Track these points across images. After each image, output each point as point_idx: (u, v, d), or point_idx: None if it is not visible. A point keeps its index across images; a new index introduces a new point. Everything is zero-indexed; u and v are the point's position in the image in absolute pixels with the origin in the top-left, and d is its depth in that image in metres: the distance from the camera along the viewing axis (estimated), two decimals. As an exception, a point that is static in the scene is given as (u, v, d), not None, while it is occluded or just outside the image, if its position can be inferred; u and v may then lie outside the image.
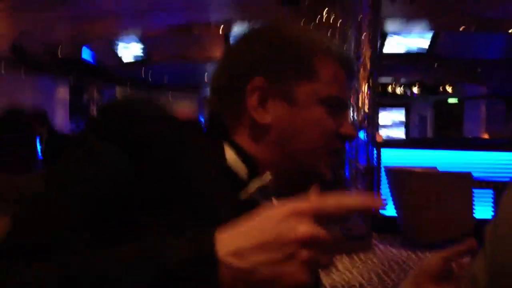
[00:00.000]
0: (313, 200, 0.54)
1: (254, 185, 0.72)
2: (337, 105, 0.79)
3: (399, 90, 17.74)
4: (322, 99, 0.77)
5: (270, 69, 0.77)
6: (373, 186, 5.21)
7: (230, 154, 0.75)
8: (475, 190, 5.04)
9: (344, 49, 0.85)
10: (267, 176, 0.72)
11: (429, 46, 11.63)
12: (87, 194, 0.61)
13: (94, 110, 17.92)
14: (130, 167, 0.62)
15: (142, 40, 13.01)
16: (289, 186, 0.77)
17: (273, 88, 0.76)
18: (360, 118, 4.87)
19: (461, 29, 10.51)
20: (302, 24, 4.91)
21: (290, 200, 0.61)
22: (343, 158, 4.77)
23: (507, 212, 0.63)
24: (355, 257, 4.65)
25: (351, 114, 4.81)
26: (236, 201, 0.70)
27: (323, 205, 0.54)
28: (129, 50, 13.83)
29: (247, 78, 0.76)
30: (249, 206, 0.69)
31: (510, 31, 10.38)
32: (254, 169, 0.75)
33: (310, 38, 0.80)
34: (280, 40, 0.78)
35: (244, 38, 0.83)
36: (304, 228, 0.51)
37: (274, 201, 0.74)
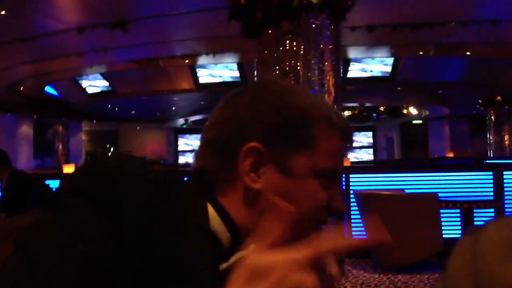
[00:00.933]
0: (312, 247, 0.50)
1: (236, 257, 0.66)
2: (333, 178, 0.74)
3: (364, 114, 18.06)
4: (319, 172, 0.73)
5: (268, 134, 0.71)
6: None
7: (213, 216, 0.70)
8: (442, 211, 5.13)
9: (344, 118, 0.80)
10: (251, 248, 0.69)
11: (391, 71, 11.96)
12: (64, 264, 0.56)
13: (59, 146, 17.61)
14: (108, 232, 0.58)
15: (106, 76, 12.90)
16: None
17: (269, 154, 0.71)
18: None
19: (420, 53, 10.87)
20: (266, 53, 4.99)
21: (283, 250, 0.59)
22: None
23: (453, 277, 0.64)
24: (328, 284, 4.63)
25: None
26: (216, 271, 0.65)
27: (323, 251, 0.51)
28: (94, 86, 13.69)
29: (243, 139, 0.71)
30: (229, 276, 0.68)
31: (467, 53, 10.80)
32: (237, 234, 0.70)
33: (312, 105, 0.74)
34: (281, 105, 0.73)
35: (243, 92, 0.77)
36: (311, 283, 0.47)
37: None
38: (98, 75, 12.86)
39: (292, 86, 0.79)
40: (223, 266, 0.66)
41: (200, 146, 0.77)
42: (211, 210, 0.70)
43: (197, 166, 0.76)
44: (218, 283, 0.63)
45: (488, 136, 15.40)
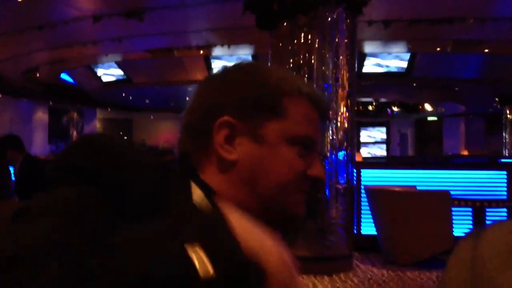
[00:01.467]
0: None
1: None
2: (308, 146, 0.77)
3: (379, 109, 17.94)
4: (291, 139, 0.75)
5: (238, 107, 0.75)
6: (353, 206, 5.23)
7: (197, 194, 0.72)
8: (454, 209, 5.09)
9: (317, 91, 0.82)
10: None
11: (407, 66, 11.84)
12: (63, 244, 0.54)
13: (73, 133, 17.78)
14: (102, 208, 0.60)
15: (121, 65, 12.95)
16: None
17: (241, 125, 0.74)
18: (339, 138, 4.91)
19: (437, 50, 10.75)
20: (281, 46, 4.97)
21: None
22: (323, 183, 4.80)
23: (449, 283, 0.62)
24: (335, 277, 4.64)
25: (331, 135, 4.86)
26: None
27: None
28: (109, 74, 13.76)
29: (215, 117, 0.75)
30: None
31: (485, 51, 10.65)
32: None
33: (281, 78, 0.78)
34: (249, 79, 0.77)
35: (214, 77, 0.82)
36: None
37: None
38: (113, 64, 12.92)
39: (260, 65, 0.83)
40: None
41: (180, 132, 0.82)
42: (195, 188, 0.72)
43: (178, 152, 0.80)
44: None
45: (503, 134, 15.21)
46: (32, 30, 8.56)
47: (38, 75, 13.56)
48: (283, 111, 0.75)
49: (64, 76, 14.26)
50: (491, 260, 0.59)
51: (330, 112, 4.87)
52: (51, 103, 16.57)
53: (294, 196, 0.77)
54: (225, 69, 0.82)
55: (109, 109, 19.04)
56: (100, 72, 13.60)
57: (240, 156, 0.74)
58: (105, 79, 13.86)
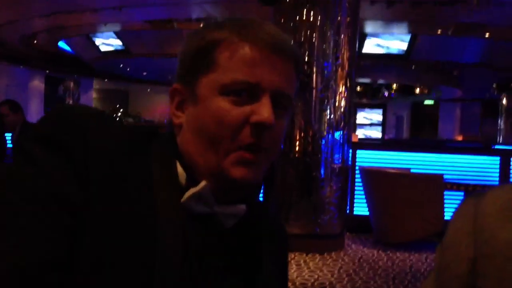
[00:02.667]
0: None
1: (187, 194, 0.70)
2: (245, 90, 0.69)
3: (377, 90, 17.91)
4: (223, 87, 0.70)
5: (182, 73, 0.76)
6: (347, 186, 5.27)
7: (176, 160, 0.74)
8: (446, 192, 5.15)
9: (259, 25, 0.73)
10: (202, 183, 0.71)
11: (407, 48, 11.78)
12: (26, 206, 0.60)
13: (69, 102, 17.68)
14: (73, 179, 0.62)
15: (120, 35, 12.80)
16: (224, 190, 0.73)
17: (185, 89, 0.74)
18: (337, 118, 4.91)
19: (438, 32, 10.68)
20: (282, 22, 4.93)
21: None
22: (319, 157, 4.82)
23: (452, 235, 0.67)
24: (326, 256, 4.71)
25: (328, 115, 4.86)
26: (176, 211, 0.69)
27: None
28: (107, 44, 13.61)
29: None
30: (189, 216, 0.70)
31: (486, 35, 10.60)
32: (191, 172, 0.73)
33: (217, 28, 0.73)
34: (189, 42, 0.76)
35: None
36: None
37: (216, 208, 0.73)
38: (112, 34, 12.78)
39: (205, 24, 0.79)
40: (181, 200, 0.70)
41: None
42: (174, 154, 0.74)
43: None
44: (175, 216, 0.68)
45: (499, 121, 15.26)
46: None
47: (36, 42, 13.41)
48: (213, 62, 0.71)
49: (62, 44, 14.10)
50: (492, 215, 0.64)
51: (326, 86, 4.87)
52: (47, 71, 16.43)
53: (231, 155, 0.70)
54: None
55: (106, 80, 18.92)
56: (98, 41, 13.45)
57: (185, 119, 0.74)
58: (103, 48, 13.72)
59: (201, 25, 0.79)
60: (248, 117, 0.69)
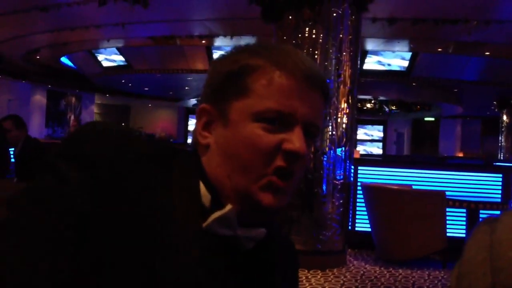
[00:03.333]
0: None
1: (212, 217, 0.70)
2: (278, 119, 0.71)
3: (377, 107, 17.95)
4: (256, 114, 0.71)
5: (212, 93, 0.76)
6: (349, 202, 5.26)
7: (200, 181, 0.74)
8: (448, 209, 5.13)
9: (296, 56, 0.75)
10: (228, 207, 0.71)
11: (408, 65, 11.85)
12: (48, 223, 0.61)
13: (71, 117, 17.72)
14: (95, 194, 0.64)
15: (122, 51, 12.88)
16: (250, 214, 0.73)
17: (214, 110, 0.75)
18: (339, 135, 4.93)
19: (438, 50, 10.76)
20: (285, 39, 4.97)
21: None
22: (321, 174, 4.82)
23: (468, 264, 0.68)
24: (328, 272, 4.68)
25: (330, 131, 4.87)
26: (195, 231, 0.69)
27: None
28: (110, 60, 13.69)
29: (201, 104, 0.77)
30: (209, 237, 0.70)
31: (486, 53, 10.66)
32: (216, 194, 0.72)
33: (248, 53, 0.75)
34: (222, 63, 0.76)
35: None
36: None
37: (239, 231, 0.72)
38: (115, 50, 12.87)
39: (236, 46, 0.79)
40: (204, 224, 0.70)
41: None
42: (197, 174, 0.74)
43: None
44: (197, 240, 0.68)
45: (500, 138, 15.27)
46: (36, 11, 8.51)
47: (38, 57, 13.49)
48: (246, 88, 0.72)
49: (64, 59, 14.18)
50: (508, 241, 0.63)
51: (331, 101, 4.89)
52: (50, 86, 16.50)
53: (261, 181, 0.70)
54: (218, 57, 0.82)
55: (107, 95, 18.99)
56: (101, 57, 13.54)
57: (213, 140, 0.74)
58: (105, 64, 13.80)
59: (232, 49, 0.79)
60: (280, 144, 0.70)
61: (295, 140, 0.70)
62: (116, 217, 0.64)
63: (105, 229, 0.63)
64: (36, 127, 15.83)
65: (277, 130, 0.71)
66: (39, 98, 16.52)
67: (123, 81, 15.59)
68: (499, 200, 5.78)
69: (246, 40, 10.91)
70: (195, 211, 0.70)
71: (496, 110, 15.39)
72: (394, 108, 18.01)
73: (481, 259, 0.65)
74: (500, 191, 5.86)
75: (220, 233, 0.71)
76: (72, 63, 14.55)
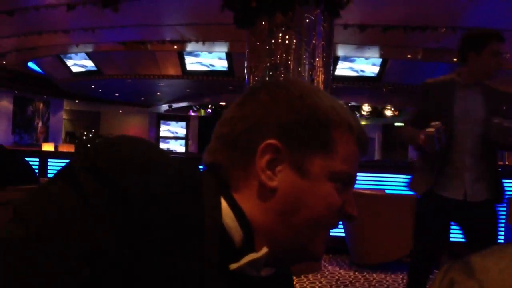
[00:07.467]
0: None
1: (247, 259, 0.67)
2: (348, 182, 0.74)
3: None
4: (334, 175, 0.71)
5: (286, 132, 0.70)
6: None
7: (226, 212, 0.68)
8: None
9: (360, 124, 0.78)
10: (263, 250, 0.68)
11: (378, 71, 12.04)
12: (60, 241, 0.54)
13: (39, 124, 17.33)
14: (113, 218, 0.56)
15: (92, 56, 12.69)
16: (282, 258, 0.73)
17: (286, 152, 0.70)
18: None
19: (408, 56, 10.96)
20: (258, 45, 4.96)
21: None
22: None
23: None
24: (303, 278, 4.67)
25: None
26: (225, 270, 0.65)
27: None
28: (79, 65, 13.46)
29: (260, 136, 0.70)
30: (238, 277, 0.67)
31: (454, 60, 10.91)
32: (250, 233, 0.68)
33: (332, 108, 0.73)
34: (301, 105, 0.72)
35: (261, 90, 0.75)
36: None
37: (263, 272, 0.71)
38: (84, 55, 12.66)
39: (312, 87, 0.78)
40: (233, 266, 0.66)
41: (213, 141, 0.75)
42: (224, 205, 0.68)
43: (210, 161, 0.74)
44: (226, 282, 0.64)
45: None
46: (1, 15, 8.30)
47: (4, 62, 13.16)
48: (331, 145, 0.71)
49: (31, 65, 13.87)
50: None
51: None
52: (16, 92, 16.11)
53: (321, 233, 0.74)
54: (275, 84, 0.77)
55: (76, 101, 18.66)
56: (70, 62, 13.30)
57: (280, 184, 0.70)
58: (74, 69, 13.56)
59: (303, 85, 0.76)
60: (343, 205, 0.74)
61: (353, 205, 0.76)
62: (143, 256, 0.57)
63: (127, 270, 0.56)
64: (2, 134, 15.42)
65: (343, 191, 0.74)
66: (5, 104, 16.10)
67: (93, 86, 15.36)
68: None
69: (219, 46, 10.91)
70: (228, 252, 0.66)
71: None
72: (365, 113, 18.24)
73: None
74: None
75: (247, 273, 0.68)
76: (40, 68, 14.24)
